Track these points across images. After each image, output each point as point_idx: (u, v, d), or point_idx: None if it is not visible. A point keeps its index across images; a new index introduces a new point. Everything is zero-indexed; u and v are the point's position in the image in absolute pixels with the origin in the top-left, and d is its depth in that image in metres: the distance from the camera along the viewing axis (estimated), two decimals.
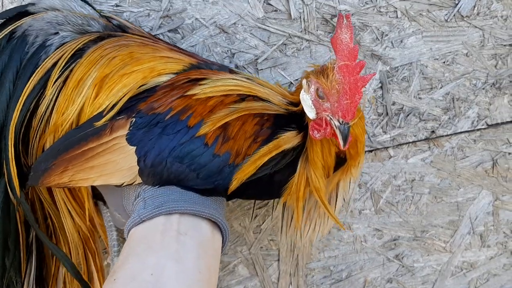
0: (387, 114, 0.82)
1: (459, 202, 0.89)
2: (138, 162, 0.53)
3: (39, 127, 0.60)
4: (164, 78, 0.57)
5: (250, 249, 0.82)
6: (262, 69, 0.77)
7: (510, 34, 0.83)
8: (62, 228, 0.65)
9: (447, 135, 0.85)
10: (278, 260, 0.84)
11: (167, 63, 0.59)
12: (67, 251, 0.66)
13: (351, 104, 0.50)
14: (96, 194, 0.64)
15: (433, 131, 0.84)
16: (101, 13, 0.66)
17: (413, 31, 0.80)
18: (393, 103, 0.82)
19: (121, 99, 0.56)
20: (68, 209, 0.64)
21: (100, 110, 0.56)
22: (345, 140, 0.50)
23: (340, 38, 0.50)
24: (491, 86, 0.85)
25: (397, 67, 0.81)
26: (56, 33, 0.62)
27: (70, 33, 0.62)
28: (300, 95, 0.54)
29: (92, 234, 0.67)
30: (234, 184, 0.54)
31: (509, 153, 0.88)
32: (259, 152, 0.54)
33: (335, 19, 0.77)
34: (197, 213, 0.52)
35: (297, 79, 0.78)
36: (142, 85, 0.57)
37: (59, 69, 0.59)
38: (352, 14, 0.78)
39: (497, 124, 0.87)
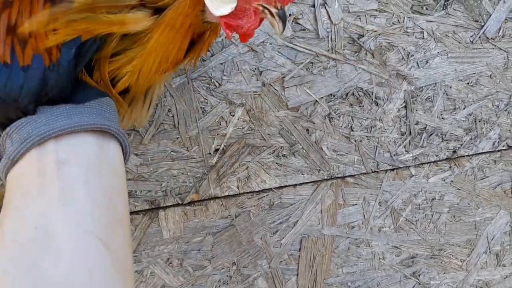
0: (410, 133, 0.82)
1: (477, 222, 0.90)
2: None
3: None
4: None
5: (270, 263, 0.83)
6: (288, 87, 0.77)
7: None
8: None
9: (468, 156, 0.86)
10: (297, 274, 0.84)
11: None
12: None
13: None
14: None
15: (454, 151, 0.85)
16: None
17: (438, 52, 0.80)
18: (417, 123, 0.82)
19: None
20: None
21: None
22: (284, 24, 0.47)
23: None
24: None
25: (422, 87, 0.81)
26: None
27: None
28: None
29: None
30: (52, 41, 0.42)
31: None
32: (96, 18, 0.43)
33: (362, 39, 0.77)
34: (75, 129, 0.41)
35: (322, 97, 0.79)
36: None
37: None
38: (379, 34, 0.78)
39: None
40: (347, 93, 0.80)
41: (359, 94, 0.80)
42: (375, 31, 0.78)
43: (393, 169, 0.84)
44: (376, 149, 0.82)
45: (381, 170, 0.83)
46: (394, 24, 0.78)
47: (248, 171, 0.79)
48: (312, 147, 0.80)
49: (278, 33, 0.47)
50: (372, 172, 0.83)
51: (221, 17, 0.48)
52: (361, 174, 0.83)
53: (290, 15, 0.75)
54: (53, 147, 0.41)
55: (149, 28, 0.46)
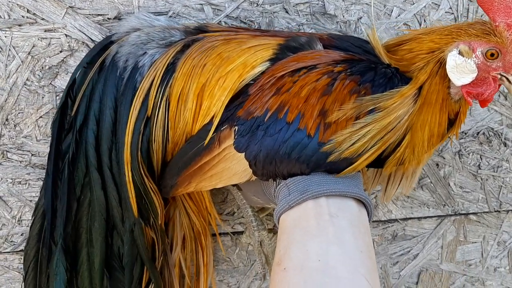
0: None
1: None
2: (250, 166, 0.56)
3: (160, 147, 0.62)
4: (259, 69, 0.58)
5: None
6: None
7: None
8: (177, 225, 0.69)
9: None
10: None
11: (256, 52, 0.59)
12: (181, 246, 0.70)
13: None
14: None
15: None
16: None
17: None
18: None
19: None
20: (184, 207, 0.68)
21: (208, 117, 0.59)
22: None
23: None
24: None
25: None
26: (145, 53, 0.62)
27: (157, 49, 0.63)
28: (450, 62, 0.53)
29: (204, 231, 0.70)
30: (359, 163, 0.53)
31: None
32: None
33: None
34: (342, 193, 0.52)
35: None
36: (241, 82, 0.58)
37: (156, 88, 0.61)
38: None
39: None
40: (478, 132, 0.82)
41: (489, 134, 0.82)
42: None
43: None
44: (501, 189, 0.84)
45: (503, 210, 0.84)
46: None
47: (376, 200, 0.81)
48: (440, 181, 0.82)
49: None
50: (495, 211, 0.84)
51: (463, 86, 0.54)
52: (483, 212, 0.84)
53: None
54: (325, 202, 0.51)
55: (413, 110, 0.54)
